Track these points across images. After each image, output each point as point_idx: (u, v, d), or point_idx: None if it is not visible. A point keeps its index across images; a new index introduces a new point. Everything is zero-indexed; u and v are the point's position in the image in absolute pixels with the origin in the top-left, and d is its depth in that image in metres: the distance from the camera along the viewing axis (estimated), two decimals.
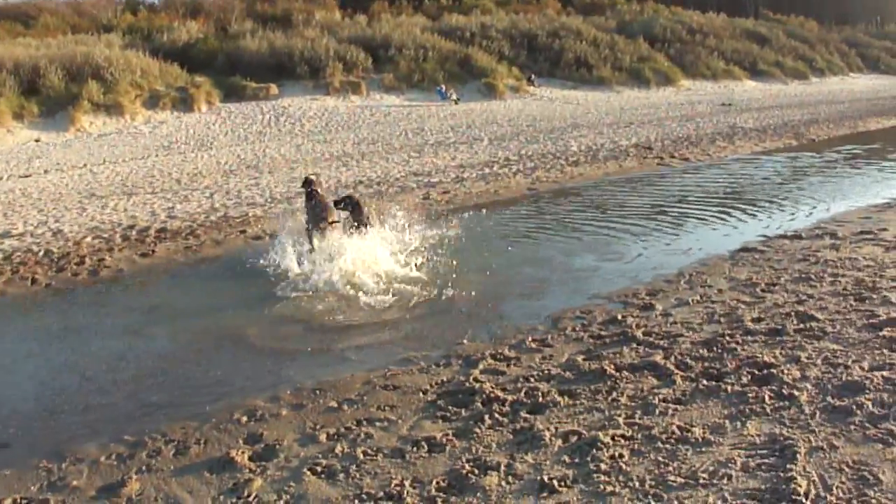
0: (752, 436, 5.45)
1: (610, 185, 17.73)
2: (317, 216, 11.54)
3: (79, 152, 27.10)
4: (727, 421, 5.70)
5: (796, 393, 6.01)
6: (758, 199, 15.23)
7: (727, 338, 7.40)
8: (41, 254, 13.17)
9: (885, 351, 6.78)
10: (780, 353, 6.88)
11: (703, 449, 5.33)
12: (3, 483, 5.75)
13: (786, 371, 6.43)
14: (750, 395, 6.07)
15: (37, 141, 29.66)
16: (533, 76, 47.09)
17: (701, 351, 7.12)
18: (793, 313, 8.00)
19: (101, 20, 47.93)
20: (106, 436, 6.38)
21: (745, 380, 6.37)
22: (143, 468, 5.77)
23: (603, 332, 7.96)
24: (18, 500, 5.47)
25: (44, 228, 14.97)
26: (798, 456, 5.08)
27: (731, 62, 59.64)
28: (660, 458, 5.24)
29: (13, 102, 31.27)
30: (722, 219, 13.66)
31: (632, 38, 56.32)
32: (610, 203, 15.36)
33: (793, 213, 13.84)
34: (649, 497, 4.80)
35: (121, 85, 34.17)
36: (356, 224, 11.60)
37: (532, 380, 6.79)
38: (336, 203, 11.77)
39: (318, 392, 6.95)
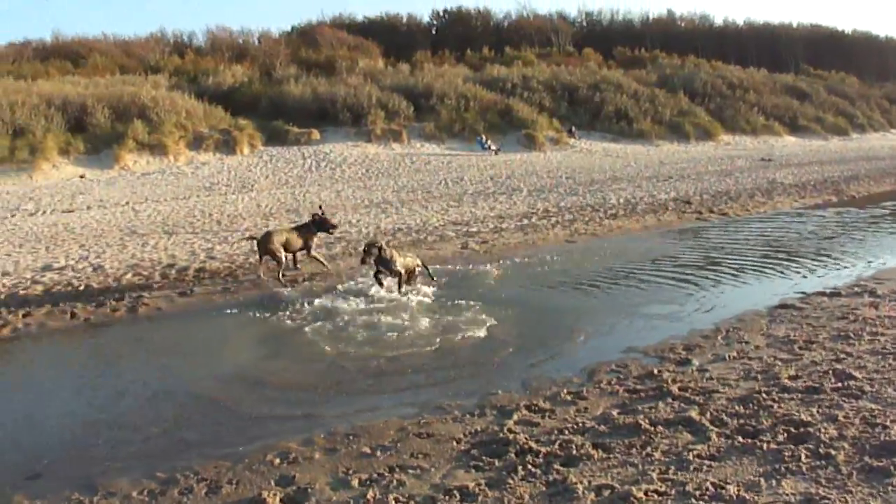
0: (788, 494, 5.38)
1: (647, 240, 17.66)
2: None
3: (122, 190, 27.43)
4: (762, 479, 5.63)
5: (833, 452, 5.93)
6: (797, 255, 15.12)
7: (763, 395, 7.32)
8: (81, 288, 13.30)
9: None
10: (817, 412, 6.79)
11: None
12: None
13: (823, 430, 6.35)
14: (786, 453, 5.99)
15: (81, 177, 30.11)
16: (573, 128, 47.25)
17: (737, 407, 7.05)
18: (830, 371, 7.91)
19: (148, 61, 48.78)
20: (138, 471, 6.42)
21: (781, 437, 6.30)
22: None
23: (638, 387, 7.91)
24: None
25: (84, 263, 15.13)
26: None
27: (771, 117, 59.59)
28: None
29: (60, 139, 31.84)
30: (760, 274, 13.56)
31: (672, 92, 56.47)
32: (648, 257, 15.28)
33: (832, 270, 13.72)
34: None
35: (165, 125, 34.67)
36: (381, 271, 11.79)
37: (566, 432, 6.74)
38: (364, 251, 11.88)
39: (351, 437, 6.94)
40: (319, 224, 13.99)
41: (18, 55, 48.90)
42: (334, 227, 14.23)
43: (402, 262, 12.07)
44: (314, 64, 49.23)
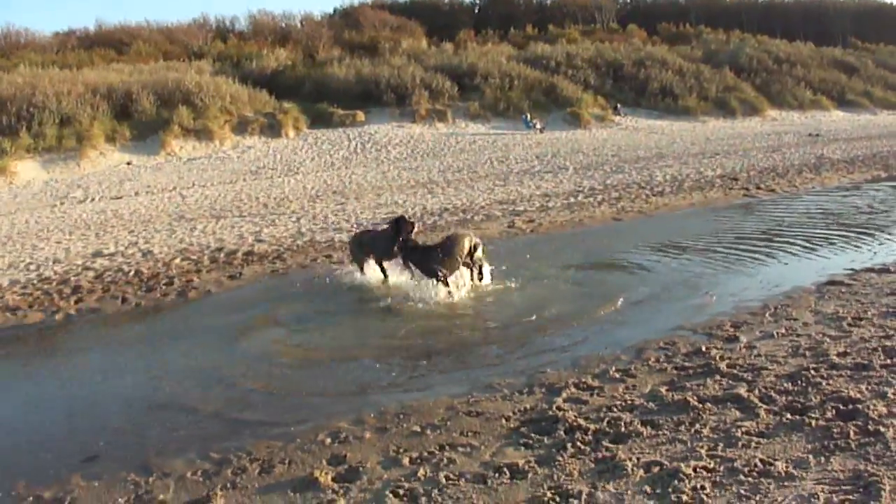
0: (836, 471, 5.37)
1: (694, 217, 17.56)
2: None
3: (168, 175, 27.69)
4: (811, 455, 5.62)
5: (882, 429, 5.89)
6: (845, 231, 14.93)
7: (812, 372, 7.27)
8: (131, 273, 13.48)
9: None
10: (866, 389, 6.74)
11: (786, 483, 5.27)
12: (92, 494, 5.95)
13: (871, 407, 6.30)
14: (834, 430, 5.97)
15: (128, 164, 30.42)
16: (618, 105, 46.96)
17: (785, 384, 7.01)
18: (880, 348, 7.82)
19: (192, 47, 49.05)
20: (192, 452, 6.54)
21: (829, 414, 6.27)
22: (229, 485, 5.90)
23: (687, 364, 7.89)
24: None
25: (134, 249, 15.33)
26: (883, 493, 5.00)
27: (819, 92, 58.72)
28: (742, 492, 5.19)
29: (106, 126, 32.18)
30: (808, 251, 13.40)
31: (718, 68, 55.89)
32: (696, 233, 15.19)
33: (881, 246, 13.56)
34: None
35: (210, 110, 34.92)
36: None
37: (615, 409, 6.76)
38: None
39: (401, 416, 7.01)
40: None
41: (63, 45, 49.33)
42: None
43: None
44: (357, 45, 49.35)
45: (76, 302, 12.01)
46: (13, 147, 29.58)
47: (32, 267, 14.36)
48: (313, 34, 52.85)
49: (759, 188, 21.50)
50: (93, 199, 23.48)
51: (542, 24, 69.56)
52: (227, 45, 49.94)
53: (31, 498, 5.94)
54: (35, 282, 13.33)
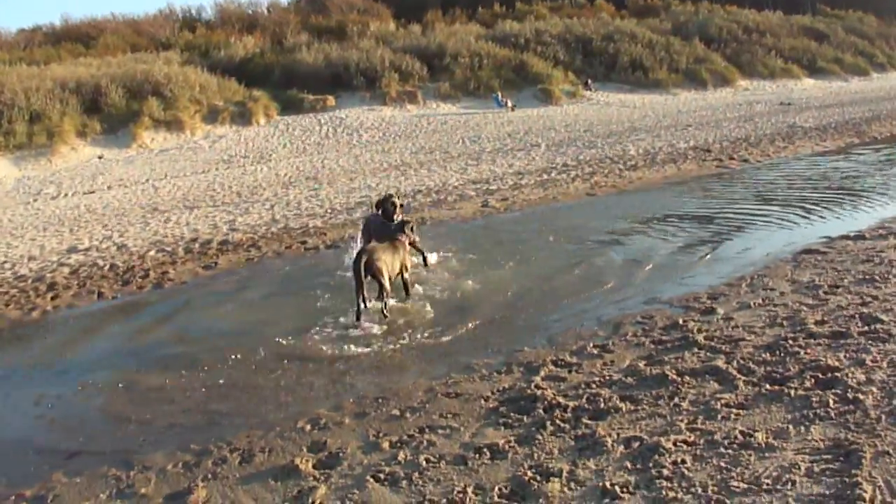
0: (817, 440, 5.39)
1: (667, 189, 17.58)
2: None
3: (141, 168, 27.53)
4: (791, 426, 5.64)
5: (861, 397, 5.91)
6: (819, 199, 14.99)
7: (790, 341, 7.29)
8: (107, 268, 13.42)
9: None
10: (845, 357, 6.77)
11: (767, 454, 5.28)
12: (74, 490, 5.94)
13: (850, 374, 6.33)
14: (814, 399, 5.99)
15: (100, 157, 30.22)
16: (589, 81, 46.93)
17: (763, 355, 7.03)
18: (857, 315, 7.86)
19: (159, 38, 48.66)
20: (172, 444, 6.54)
21: (808, 384, 6.29)
22: (210, 476, 5.90)
23: (664, 337, 7.90)
24: None
25: (108, 243, 15.25)
26: (863, 461, 5.01)
27: (789, 60, 58.81)
28: (722, 464, 5.20)
29: (76, 121, 31.93)
30: (783, 220, 13.46)
31: (687, 40, 55.83)
32: (668, 207, 15.23)
33: (855, 213, 13.63)
34: (712, 503, 4.77)
35: (180, 101, 34.70)
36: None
37: (594, 386, 6.77)
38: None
39: (380, 400, 7.01)
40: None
41: (29, 41, 48.83)
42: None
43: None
44: (325, 30, 49.02)
45: (52, 298, 11.94)
46: None
47: (7, 266, 14.25)
48: (281, 20, 52.50)
49: (732, 158, 21.58)
50: (66, 195, 23.30)
51: (510, 1, 69.23)
52: (194, 35, 49.51)
53: (12, 497, 5.90)
54: (10, 280, 13.24)
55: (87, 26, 51.65)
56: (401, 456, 5.83)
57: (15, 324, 11.04)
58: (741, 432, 5.58)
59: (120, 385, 8.26)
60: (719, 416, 5.90)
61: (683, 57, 52.35)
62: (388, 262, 9.60)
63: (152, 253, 14.24)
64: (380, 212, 11.30)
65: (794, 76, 56.85)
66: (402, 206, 11.35)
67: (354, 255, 9.87)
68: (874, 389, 6.03)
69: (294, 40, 46.40)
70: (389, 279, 9.58)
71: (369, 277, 9.37)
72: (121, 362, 9.08)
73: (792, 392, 6.17)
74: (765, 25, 63.91)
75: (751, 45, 58.97)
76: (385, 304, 9.43)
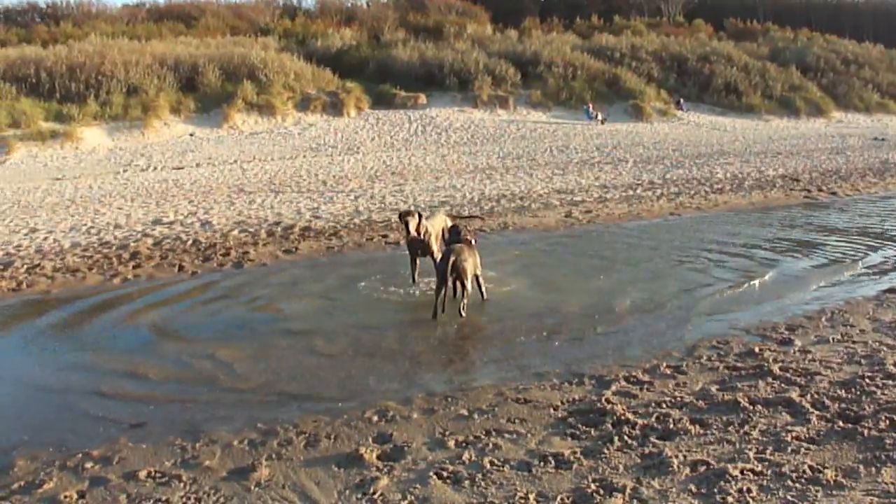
0: (887, 483, 5.26)
1: (755, 215, 17.32)
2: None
3: (230, 148, 27.94)
4: (861, 466, 5.52)
5: None
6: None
7: (867, 380, 7.12)
8: (189, 242, 13.64)
9: None
10: None
11: (835, 492, 5.18)
12: (139, 455, 6.02)
13: None
14: (887, 440, 5.85)
15: (191, 135, 30.77)
16: (681, 100, 46.45)
17: (839, 391, 6.88)
18: None
19: (259, 23, 49.34)
20: (240, 421, 6.61)
21: (883, 425, 6.14)
22: (274, 456, 5.95)
23: (739, 364, 7.78)
24: (153, 473, 5.71)
25: (193, 219, 15.51)
26: None
27: (887, 95, 57.46)
28: (789, 497, 5.11)
29: (171, 97, 32.62)
30: (867, 257, 13.18)
31: (784, 66, 54.91)
32: (754, 233, 15.00)
33: None
34: None
35: (274, 86, 35.16)
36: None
37: (664, 405, 6.71)
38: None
39: (449, 399, 7.01)
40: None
41: (133, 17, 49.93)
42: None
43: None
44: (422, 28, 49.22)
45: (134, 267, 12.16)
46: (81, 114, 30.17)
47: (94, 231, 14.57)
48: (379, 15, 52.88)
49: (820, 190, 21.17)
50: (155, 168, 23.76)
51: (608, 14, 68.81)
52: (293, 23, 50.12)
53: (79, 455, 6.02)
54: (95, 245, 13.53)
55: (189, 6, 52.67)
56: (465, 456, 5.82)
57: (94, 289, 11.27)
58: (810, 467, 5.47)
59: (192, 358, 8.40)
60: (789, 449, 5.79)
61: (779, 83, 51.48)
62: (472, 264, 9.65)
63: (235, 232, 14.43)
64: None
65: (891, 111, 55.51)
66: (419, 222, 10.64)
67: (439, 256, 9.92)
68: None
69: (391, 36, 46.71)
70: (471, 280, 9.64)
71: (452, 278, 9.43)
72: (193, 336, 9.24)
73: (865, 432, 6.03)
74: (864, 58, 62.53)
75: (848, 76, 57.71)
76: (464, 303, 9.48)
